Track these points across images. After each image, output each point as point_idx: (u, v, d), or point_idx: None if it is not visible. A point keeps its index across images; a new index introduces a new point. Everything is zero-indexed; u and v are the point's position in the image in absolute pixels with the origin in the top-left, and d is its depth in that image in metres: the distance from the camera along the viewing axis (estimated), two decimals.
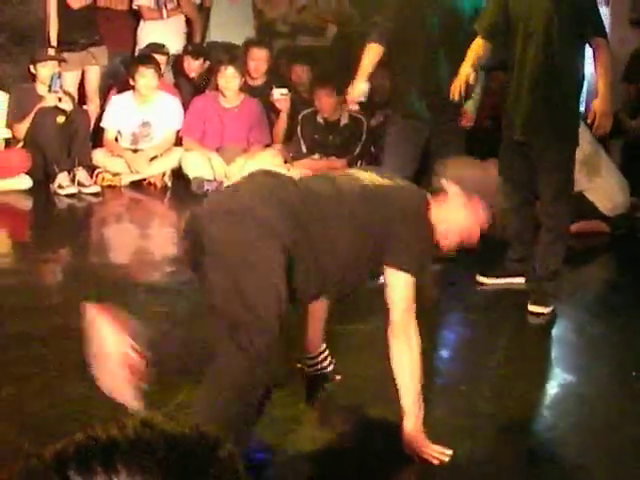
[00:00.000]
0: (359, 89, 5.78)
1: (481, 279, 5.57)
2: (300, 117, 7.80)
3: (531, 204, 5.47)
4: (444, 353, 4.73)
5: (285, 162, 7.92)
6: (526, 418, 3.99)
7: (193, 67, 8.53)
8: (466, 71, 5.30)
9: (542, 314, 5.14)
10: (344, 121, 7.75)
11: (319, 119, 7.75)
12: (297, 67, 8.44)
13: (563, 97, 5.14)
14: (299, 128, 7.80)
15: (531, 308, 5.15)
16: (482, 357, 4.60)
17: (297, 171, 7.61)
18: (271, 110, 8.20)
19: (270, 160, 7.89)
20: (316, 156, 7.77)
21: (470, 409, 3.93)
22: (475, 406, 3.96)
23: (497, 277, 5.55)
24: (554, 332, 5.07)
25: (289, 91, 8.17)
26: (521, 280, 5.49)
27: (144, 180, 7.84)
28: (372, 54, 5.77)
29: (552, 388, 4.31)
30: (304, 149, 7.79)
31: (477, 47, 5.32)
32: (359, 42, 8.94)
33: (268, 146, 8.09)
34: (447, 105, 5.55)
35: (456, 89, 5.32)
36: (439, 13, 5.62)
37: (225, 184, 7.61)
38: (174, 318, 4.73)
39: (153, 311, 4.83)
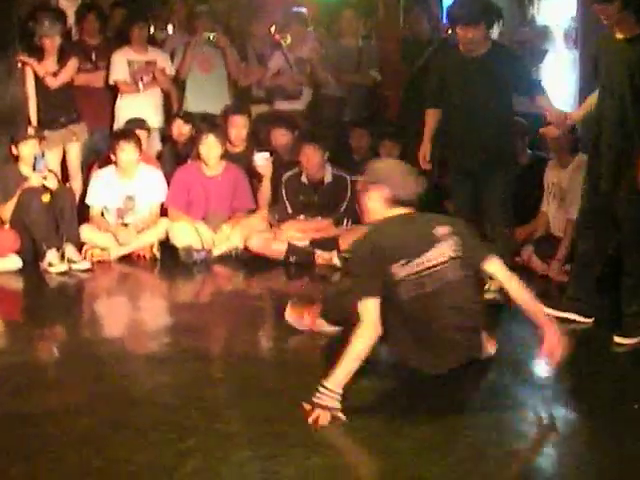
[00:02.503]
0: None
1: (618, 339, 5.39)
2: (284, 179, 7.84)
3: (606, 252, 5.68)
4: None
5: (271, 226, 7.95)
6: None
7: (184, 131, 8.60)
8: None
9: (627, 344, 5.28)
10: (328, 180, 7.80)
11: (303, 179, 7.79)
12: (276, 131, 8.49)
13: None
14: (284, 190, 7.83)
15: (617, 339, 5.28)
16: None
17: (286, 233, 7.67)
18: (253, 175, 8.25)
19: (255, 225, 7.93)
20: (302, 217, 7.80)
21: None
22: None
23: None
24: None
25: (270, 155, 8.23)
26: (574, 317, 5.65)
27: (133, 253, 7.86)
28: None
29: None
30: (290, 210, 7.82)
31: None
32: (334, 104, 9.19)
33: (252, 212, 8.12)
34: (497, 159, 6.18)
35: None
36: (480, 79, 6.08)
37: (213, 252, 7.67)
38: (178, 387, 4.73)
39: (156, 381, 4.83)
